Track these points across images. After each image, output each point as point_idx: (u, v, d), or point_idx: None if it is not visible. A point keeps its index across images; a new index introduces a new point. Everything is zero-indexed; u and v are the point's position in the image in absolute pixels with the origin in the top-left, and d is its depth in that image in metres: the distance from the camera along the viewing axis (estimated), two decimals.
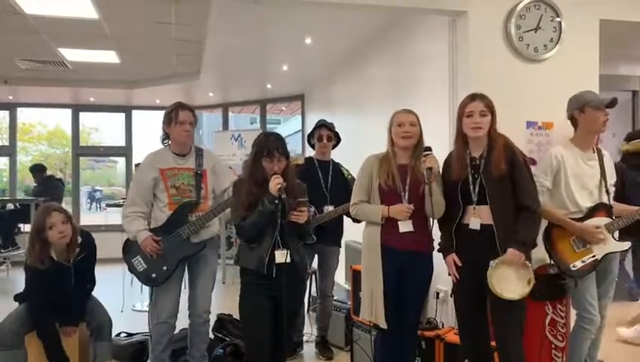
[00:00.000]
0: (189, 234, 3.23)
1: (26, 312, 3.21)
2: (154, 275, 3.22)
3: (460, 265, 2.78)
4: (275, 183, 2.65)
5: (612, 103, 3.12)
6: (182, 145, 3.33)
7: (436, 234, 2.91)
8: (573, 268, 3.06)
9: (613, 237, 3.10)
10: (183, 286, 3.36)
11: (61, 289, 3.20)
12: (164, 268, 3.21)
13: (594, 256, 3.06)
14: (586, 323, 3.08)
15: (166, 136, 3.33)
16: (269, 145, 2.74)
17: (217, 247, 3.57)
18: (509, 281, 2.62)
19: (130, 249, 3.29)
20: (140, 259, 3.24)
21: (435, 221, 2.89)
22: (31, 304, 3.22)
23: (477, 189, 2.72)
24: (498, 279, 2.61)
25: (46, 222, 3.14)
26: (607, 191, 3.16)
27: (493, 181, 2.67)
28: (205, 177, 3.34)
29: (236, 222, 2.78)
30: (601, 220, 3.09)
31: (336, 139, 4.15)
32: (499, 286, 2.61)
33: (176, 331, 3.40)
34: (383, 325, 2.82)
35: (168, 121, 3.27)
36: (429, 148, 2.86)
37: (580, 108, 3.16)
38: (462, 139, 2.81)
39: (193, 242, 3.26)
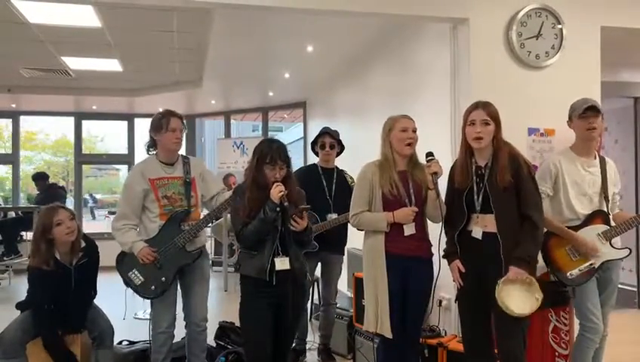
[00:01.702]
0: (185, 243, 3.21)
1: (28, 320, 3.20)
2: (153, 287, 3.20)
3: (463, 271, 2.76)
4: (278, 191, 2.63)
5: (589, 109, 3.07)
6: (170, 153, 3.31)
7: (436, 239, 2.88)
8: (569, 277, 3.04)
9: (611, 244, 3.09)
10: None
11: (61, 291, 3.19)
12: (163, 278, 3.19)
13: (591, 264, 3.04)
14: (589, 332, 3.05)
15: (153, 144, 3.31)
16: (272, 152, 2.71)
17: (208, 255, 3.59)
18: (518, 298, 2.58)
19: (124, 262, 3.25)
20: (136, 272, 3.21)
21: (440, 227, 2.88)
22: (34, 307, 3.21)
23: (481, 198, 2.71)
24: (507, 298, 2.57)
25: (53, 220, 3.14)
26: (607, 199, 3.15)
27: (497, 191, 2.65)
28: (194, 185, 3.33)
29: (237, 229, 2.76)
30: (597, 228, 3.08)
31: (339, 146, 4.15)
32: (510, 304, 2.56)
33: (177, 339, 3.40)
34: (389, 335, 2.79)
35: (158, 127, 3.24)
36: (431, 153, 2.83)
37: (570, 118, 3.21)
38: (466, 147, 2.79)
39: (189, 250, 3.24)
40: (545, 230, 3.09)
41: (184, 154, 3.45)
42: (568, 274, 3.04)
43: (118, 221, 3.24)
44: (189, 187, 3.29)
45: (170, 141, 3.25)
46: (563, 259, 3.08)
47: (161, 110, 3.35)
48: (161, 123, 3.24)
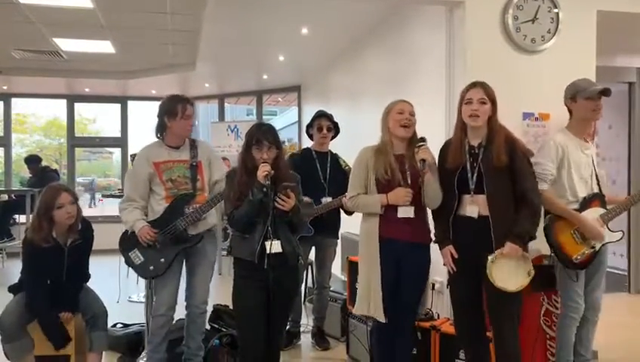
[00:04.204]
0: (186, 226, 3.21)
1: (22, 303, 3.19)
2: (152, 267, 3.22)
3: (456, 256, 2.76)
4: (262, 170, 2.64)
5: (604, 92, 3.07)
6: (180, 139, 3.31)
7: (431, 224, 2.89)
8: (576, 261, 3.05)
9: (607, 227, 3.10)
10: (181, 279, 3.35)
11: (54, 269, 3.19)
12: (162, 260, 3.20)
13: (593, 248, 3.06)
14: (573, 311, 3.10)
15: (163, 128, 3.27)
16: (259, 134, 2.74)
17: (215, 239, 3.58)
18: (509, 274, 2.60)
19: (127, 242, 3.27)
20: (137, 252, 3.23)
21: (429, 211, 2.88)
22: (28, 280, 3.21)
23: (475, 178, 2.69)
24: (498, 273, 2.59)
25: (55, 202, 3.14)
26: (598, 181, 3.16)
27: (492, 171, 2.64)
28: (201, 168, 3.32)
29: (228, 213, 2.78)
30: (596, 210, 3.08)
31: (335, 129, 4.14)
32: (499, 280, 2.59)
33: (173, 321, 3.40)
34: (382, 319, 2.79)
35: (173, 113, 3.20)
36: (423, 139, 2.82)
37: (572, 97, 3.15)
38: (461, 127, 2.78)
39: (190, 234, 3.25)
40: (549, 214, 3.09)
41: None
42: (574, 257, 3.05)
43: (124, 203, 3.29)
44: (194, 170, 3.29)
45: (185, 128, 3.25)
46: (569, 243, 3.06)
47: (172, 94, 3.32)
48: (176, 109, 3.20)
